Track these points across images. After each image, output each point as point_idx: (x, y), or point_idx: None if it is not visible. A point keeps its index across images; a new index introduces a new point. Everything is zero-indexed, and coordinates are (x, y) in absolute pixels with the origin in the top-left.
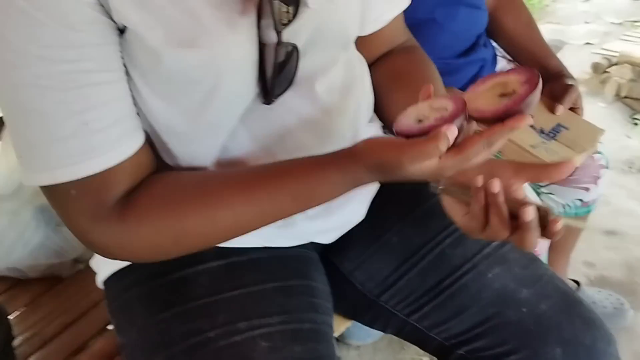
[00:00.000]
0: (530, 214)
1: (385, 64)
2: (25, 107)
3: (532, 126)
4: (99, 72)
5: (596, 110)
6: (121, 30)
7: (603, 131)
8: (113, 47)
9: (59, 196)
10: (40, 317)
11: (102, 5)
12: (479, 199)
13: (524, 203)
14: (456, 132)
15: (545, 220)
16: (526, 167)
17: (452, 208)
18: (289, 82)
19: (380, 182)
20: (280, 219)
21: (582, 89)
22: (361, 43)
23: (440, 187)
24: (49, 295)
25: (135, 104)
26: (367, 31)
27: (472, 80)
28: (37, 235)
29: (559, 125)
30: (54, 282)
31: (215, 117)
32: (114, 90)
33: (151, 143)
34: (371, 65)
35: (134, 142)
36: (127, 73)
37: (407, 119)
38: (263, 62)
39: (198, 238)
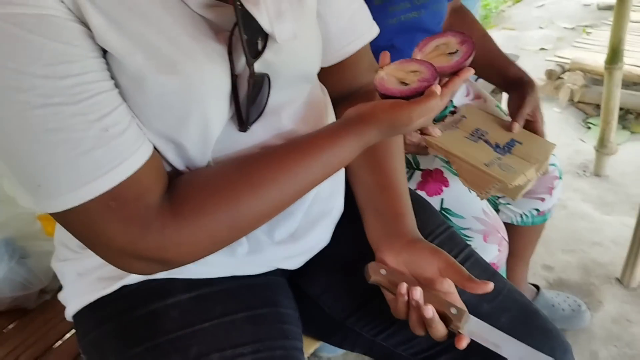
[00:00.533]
0: (428, 313)
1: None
2: (41, 129)
3: (487, 142)
4: (103, 80)
5: (551, 115)
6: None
7: (554, 145)
8: (103, 60)
9: (95, 214)
10: (6, 352)
11: (86, 26)
12: (401, 301)
13: (440, 301)
14: (440, 88)
15: (455, 322)
16: (451, 270)
17: (385, 292)
18: (261, 110)
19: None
20: (312, 188)
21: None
22: (324, 76)
23: (371, 280)
24: (15, 329)
25: None
26: (329, 62)
27: None
28: (1, 269)
29: (513, 140)
30: (19, 314)
31: (189, 143)
32: (117, 96)
33: None
34: (334, 104)
35: (148, 141)
36: None
37: (390, 83)
38: (236, 92)
39: (251, 219)
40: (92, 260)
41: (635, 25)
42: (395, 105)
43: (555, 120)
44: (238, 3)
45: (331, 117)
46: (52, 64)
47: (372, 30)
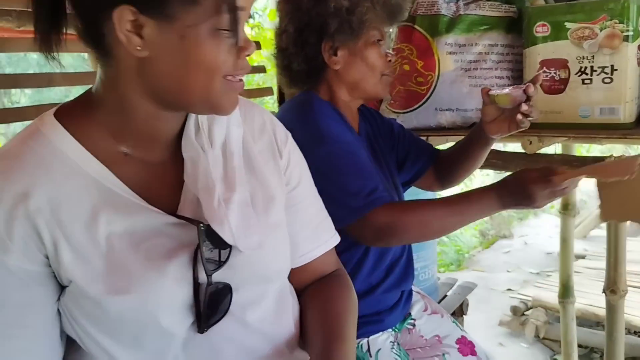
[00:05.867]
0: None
1: (307, 301)
2: None
3: None
4: (13, 327)
5: (519, 350)
6: (63, 286)
7: None
8: (37, 307)
9: None
10: None
11: (50, 267)
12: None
13: None
14: None
15: None
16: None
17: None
18: (223, 315)
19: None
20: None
21: (505, 330)
22: (291, 273)
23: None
24: None
25: (80, 336)
26: (295, 265)
27: None
28: None
29: None
30: None
31: (154, 346)
32: (23, 344)
33: None
34: (299, 293)
35: None
36: (71, 313)
37: None
38: (198, 299)
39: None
40: None
41: (592, 271)
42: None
43: (523, 355)
44: (201, 225)
45: (293, 316)
46: None
47: (334, 238)
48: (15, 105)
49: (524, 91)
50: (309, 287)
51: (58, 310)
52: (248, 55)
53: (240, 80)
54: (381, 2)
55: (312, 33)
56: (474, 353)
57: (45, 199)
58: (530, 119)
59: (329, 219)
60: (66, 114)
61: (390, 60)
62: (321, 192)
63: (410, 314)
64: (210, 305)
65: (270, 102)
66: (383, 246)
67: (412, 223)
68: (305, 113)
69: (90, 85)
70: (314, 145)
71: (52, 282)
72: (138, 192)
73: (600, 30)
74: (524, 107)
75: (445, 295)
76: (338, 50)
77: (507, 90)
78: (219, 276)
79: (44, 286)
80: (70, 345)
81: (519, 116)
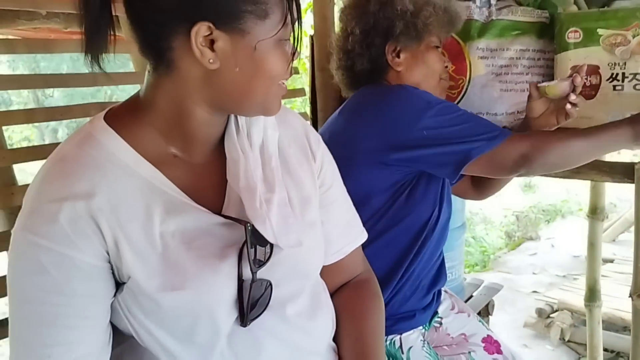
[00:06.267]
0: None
1: (341, 310)
2: (14, 326)
3: None
4: (74, 317)
5: (544, 352)
6: (120, 283)
7: None
8: (97, 299)
9: None
10: None
11: (110, 263)
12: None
13: None
14: None
15: None
16: None
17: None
18: (263, 309)
19: None
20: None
21: (530, 331)
22: (324, 271)
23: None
24: None
25: (136, 329)
26: (328, 262)
27: None
28: None
29: None
30: None
31: (203, 340)
32: (81, 334)
33: None
34: (332, 295)
35: None
36: (129, 308)
37: None
38: (241, 294)
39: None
40: None
41: (620, 276)
42: None
43: (548, 358)
44: (248, 225)
45: (327, 311)
46: (45, 290)
47: (362, 234)
48: (49, 99)
49: (572, 81)
50: (341, 290)
51: (110, 306)
52: (294, 60)
53: (284, 83)
54: (442, 8)
55: (377, 35)
56: (499, 352)
57: (105, 200)
58: (577, 108)
59: (357, 216)
60: (116, 117)
61: (447, 66)
62: (447, 142)
63: (437, 312)
64: (253, 300)
65: (299, 102)
66: (522, 173)
67: (554, 145)
68: (399, 93)
69: (131, 85)
70: (420, 114)
71: (111, 277)
72: (186, 192)
73: (633, 37)
74: (572, 96)
75: (471, 296)
76: (401, 53)
77: (555, 81)
78: (261, 273)
79: (104, 281)
80: (119, 338)
81: (568, 106)
